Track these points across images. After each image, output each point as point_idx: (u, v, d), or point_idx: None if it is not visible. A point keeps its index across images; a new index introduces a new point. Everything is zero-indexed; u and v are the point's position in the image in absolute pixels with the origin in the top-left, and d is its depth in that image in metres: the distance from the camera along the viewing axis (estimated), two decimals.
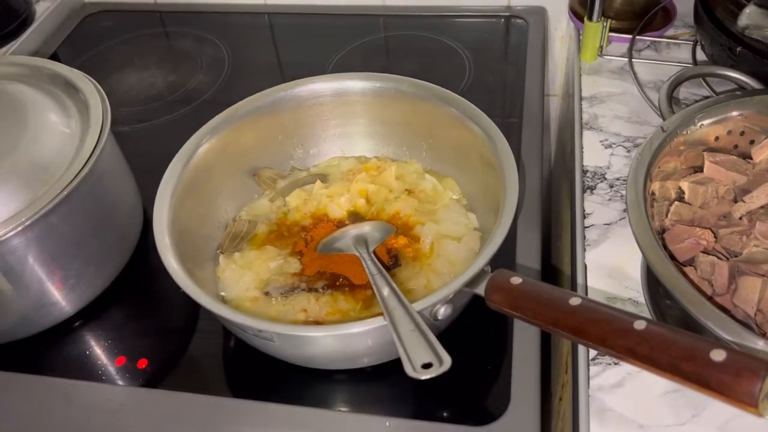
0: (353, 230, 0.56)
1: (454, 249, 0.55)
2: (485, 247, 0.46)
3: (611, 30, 0.75)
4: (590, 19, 0.72)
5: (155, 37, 0.94)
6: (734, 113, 0.52)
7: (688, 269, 0.46)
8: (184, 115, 0.80)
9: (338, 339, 0.45)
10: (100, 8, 0.98)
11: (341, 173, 0.65)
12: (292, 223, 0.61)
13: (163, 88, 0.84)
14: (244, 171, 0.63)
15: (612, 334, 0.35)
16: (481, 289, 0.42)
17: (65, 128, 0.57)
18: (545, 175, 0.72)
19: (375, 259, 0.51)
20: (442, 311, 0.44)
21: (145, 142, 0.76)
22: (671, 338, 0.32)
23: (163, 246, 0.49)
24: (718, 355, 0.30)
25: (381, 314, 0.44)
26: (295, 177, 0.65)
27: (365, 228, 0.56)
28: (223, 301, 0.55)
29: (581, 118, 0.68)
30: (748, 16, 0.53)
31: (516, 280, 0.40)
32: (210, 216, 0.60)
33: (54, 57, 0.89)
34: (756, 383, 0.29)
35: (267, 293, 0.55)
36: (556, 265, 0.77)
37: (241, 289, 0.56)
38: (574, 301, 0.37)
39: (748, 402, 0.29)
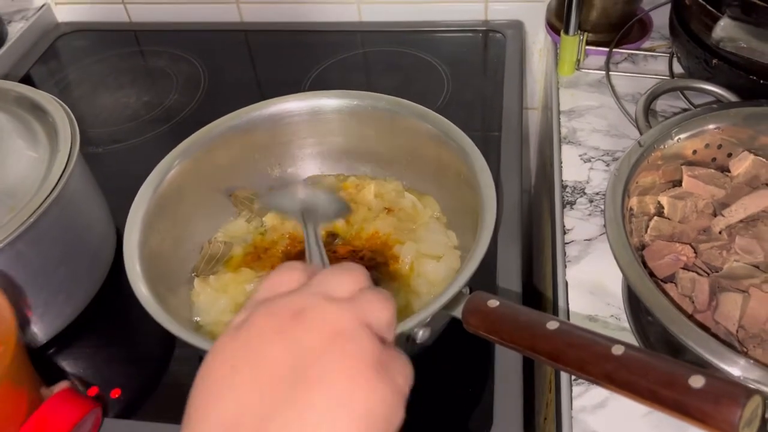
0: (304, 193, 0.52)
1: (434, 268, 0.54)
2: (463, 269, 0.45)
3: (588, 43, 0.75)
4: (567, 32, 0.72)
5: (130, 56, 0.93)
6: (711, 126, 0.52)
7: (668, 286, 0.46)
8: (159, 134, 0.78)
9: None
10: (75, 27, 0.97)
11: None
12: (270, 243, 0.60)
13: (138, 108, 0.83)
14: (220, 191, 0.62)
15: (590, 359, 0.34)
16: (458, 312, 0.41)
17: (33, 152, 0.56)
18: (526, 189, 0.72)
19: (319, 237, 0.46)
20: (420, 334, 0.44)
21: (119, 164, 0.75)
22: (650, 363, 0.32)
23: (134, 274, 0.48)
24: (696, 382, 0.29)
25: None
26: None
27: (320, 197, 0.53)
28: (198, 326, 0.54)
29: (560, 132, 0.68)
30: (723, 29, 0.53)
31: (493, 303, 0.39)
32: (185, 238, 0.59)
33: (27, 77, 0.88)
34: (736, 411, 0.28)
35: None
36: (537, 284, 0.76)
37: (216, 313, 0.54)
38: (552, 325, 0.36)
39: (727, 431, 0.28)
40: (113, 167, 0.74)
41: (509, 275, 0.58)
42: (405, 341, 0.43)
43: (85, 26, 0.97)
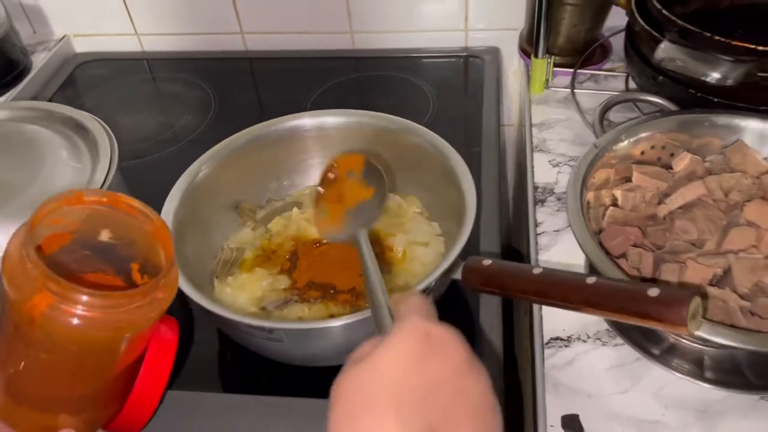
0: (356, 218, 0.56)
1: (424, 253, 0.63)
2: (457, 241, 0.54)
3: (556, 65, 0.85)
4: (536, 56, 0.82)
5: (144, 83, 1.02)
6: (655, 131, 0.62)
7: (620, 261, 0.55)
8: (176, 150, 0.87)
9: (345, 329, 0.50)
10: (92, 57, 1.06)
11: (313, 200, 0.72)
12: (276, 246, 0.67)
13: (154, 128, 0.91)
14: (227, 205, 0.69)
15: (570, 291, 0.43)
16: (458, 275, 0.51)
17: (76, 163, 0.64)
18: (505, 199, 0.81)
19: (373, 256, 0.50)
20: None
21: (138, 176, 0.83)
22: (617, 286, 0.41)
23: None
24: (653, 292, 0.39)
25: None
26: (272, 207, 0.71)
27: (362, 210, 0.56)
28: None
29: (532, 142, 0.77)
30: (663, 51, 0.63)
31: (487, 261, 0.49)
32: (201, 247, 0.64)
33: (50, 102, 0.96)
34: (683, 308, 0.38)
35: (263, 308, 0.61)
36: None
37: (239, 307, 0.61)
38: (537, 270, 0.45)
39: (679, 323, 0.38)
40: (133, 179, 0.82)
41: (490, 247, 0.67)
42: None
43: (102, 56, 1.06)
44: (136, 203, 0.45)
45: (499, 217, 0.71)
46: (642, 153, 0.62)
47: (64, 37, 1.06)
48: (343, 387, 0.35)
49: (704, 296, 0.50)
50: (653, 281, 0.53)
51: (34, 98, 0.96)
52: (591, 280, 0.43)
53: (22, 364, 0.43)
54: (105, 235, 0.46)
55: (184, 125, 0.91)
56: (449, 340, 0.36)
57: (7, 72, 0.95)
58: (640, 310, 0.40)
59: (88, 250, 0.47)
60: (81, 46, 1.07)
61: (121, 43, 1.05)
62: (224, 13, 1.00)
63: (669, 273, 0.52)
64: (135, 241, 0.46)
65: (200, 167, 0.65)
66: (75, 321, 0.39)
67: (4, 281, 0.40)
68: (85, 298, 0.39)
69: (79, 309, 0.39)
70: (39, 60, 1.01)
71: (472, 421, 0.34)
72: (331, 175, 0.59)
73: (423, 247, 0.65)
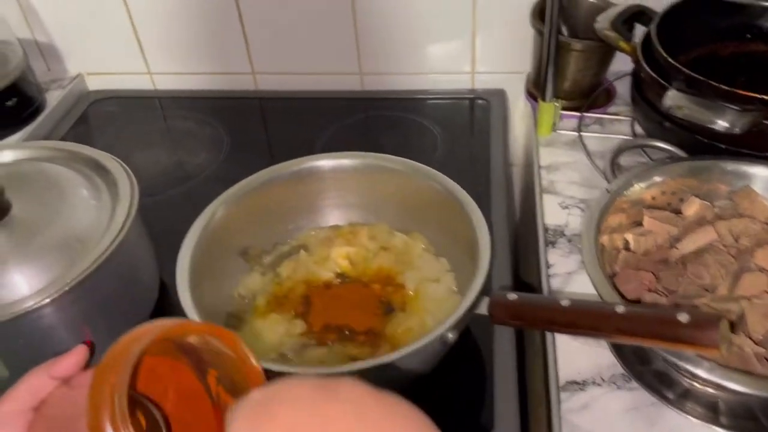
0: None
1: (435, 289, 0.64)
2: (477, 275, 0.55)
3: (562, 108, 0.87)
4: (544, 100, 0.84)
5: (156, 121, 1.04)
6: (666, 177, 0.64)
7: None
8: (186, 190, 0.88)
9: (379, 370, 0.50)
10: (105, 95, 1.07)
11: (319, 241, 0.71)
12: (287, 290, 0.67)
13: (167, 165, 0.93)
14: (235, 251, 0.69)
15: (600, 320, 0.45)
16: (483, 310, 0.52)
17: (96, 202, 0.65)
18: (512, 235, 0.82)
19: None
20: (450, 336, 0.52)
21: (150, 214, 0.83)
22: (647, 313, 0.44)
23: (188, 307, 0.55)
24: (683, 317, 0.41)
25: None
26: (278, 251, 0.71)
27: None
28: None
29: (541, 185, 0.79)
30: (671, 99, 0.65)
31: (512, 296, 0.50)
32: (215, 295, 0.63)
33: (64, 140, 0.98)
34: (715, 331, 0.39)
35: (282, 354, 0.61)
36: None
37: (258, 356, 0.61)
38: (565, 302, 0.47)
39: (711, 345, 0.40)
40: (145, 217, 0.83)
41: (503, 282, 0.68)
42: (438, 344, 0.52)
43: (114, 94, 1.07)
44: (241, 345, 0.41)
45: (510, 252, 0.72)
46: (653, 198, 0.63)
47: (78, 75, 1.08)
48: None
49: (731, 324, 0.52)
50: None
51: (49, 135, 0.98)
52: (621, 308, 0.44)
53: None
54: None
55: (196, 163, 0.93)
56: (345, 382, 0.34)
57: (24, 109, 0.96)
58: (672, 334, 0.42)
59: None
60: (94, 84, 1.09)
61: (133, 82, 1.07)
62: (236, 52, 1.02)
63: None
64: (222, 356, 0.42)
65: (212, 214, 0.65)
66: None
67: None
68: None
69: None
70: (53, 97, 1.02)
71: None
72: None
73: (434, 284, 0.66)
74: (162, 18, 1.00)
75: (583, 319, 0.47)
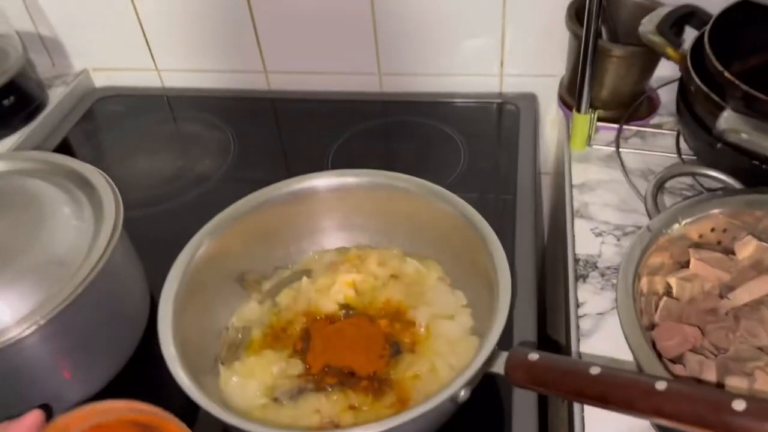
0: None
1: (449, 328, 0.58)
2: (493, 327, 0.48)
3: (599, 119, 0.79)
4: (579, 111, 0.76)
5: (163, 121, 0.98)
6: (716, 211, 0.55)
7: (677, 366, 0.48)
8: (190, 199, 0.82)
9: None
10: (111, 93, 1.02)
11: (324, 266, 0.66)
12: (286, 323, 0.61)
13: (171, 172, 0.87)
14: (230, 277, 0.63)
15: (637, 397, 0.38)
16: (499, 368, 0.45)
17: (79, 222, 0.59)
18: (538, 263, 0.75)
19: None
20: (462, 394, 0.46)
21: (152, 227, 0.78)
22: (694, 394, 0.37)
23: (171, 358, 0.50)
24: (739, 405, 0.35)
25: (394, 407, 0.46)
26: (279, 276, 0.65)
27: None
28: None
29: (572, 206, 0.71)
30: (726, 121, 0.57)
31: (533, 356, 0.43)
32: (204, 325, 0.59)
33: (66, 140, 0.93)
34: None
35: (275, 399, 0.55)
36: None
37: (248, 399, 0.55)
38: (595, 370, 0.40)
39: None
40: (146, 230, 0.77)
41: (525, 332, 0.60)
42: (449, 403, 0.46)
43: (121, 91, 1.02)
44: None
45: (535, 294, 0.64)
46: (700, 236, 0.55)
47: (83, 71, 1.02)
48: None
49: None
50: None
51: (49, 135, 0.93)
52: (661, 385, 0.37)
53: None
54: None
55: (201, 170, 0.87)
56: None
57: (23, 107, 0.91)
58: (721, 423, 0.35)
59: None
60: (100, 80, 1.04)
61: (141, 78, 1.01)
62: (248, 50, 0.95)
63: (735, 389, 0.45)
64: None
65: (202, 240, 0.59)
66: None
67: None
68: None
69: None
70: (56, 94, 0.97)
71: None
72: None
73: (448, 321, 0.59)
74: (170, 12, 0.94)
75: (615, 393, 0.40)
